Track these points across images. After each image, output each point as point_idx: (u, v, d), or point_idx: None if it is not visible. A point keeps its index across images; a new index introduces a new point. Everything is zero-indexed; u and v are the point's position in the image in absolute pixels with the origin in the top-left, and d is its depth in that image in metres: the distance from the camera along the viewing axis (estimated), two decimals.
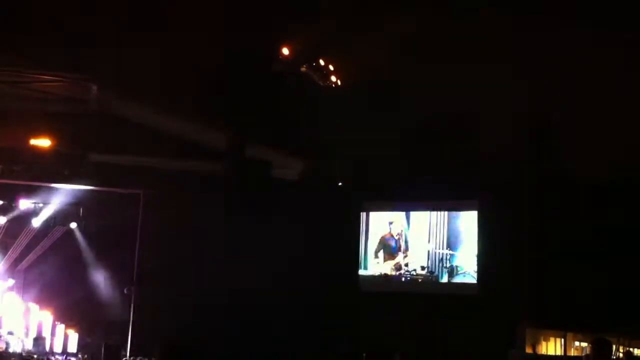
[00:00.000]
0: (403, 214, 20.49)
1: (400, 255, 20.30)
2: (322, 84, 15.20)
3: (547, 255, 17.58)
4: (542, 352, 19.71)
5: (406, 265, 20.16)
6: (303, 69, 15.09)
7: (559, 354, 19.63)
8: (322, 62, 15.20)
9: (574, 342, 19.86)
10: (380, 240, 20.61)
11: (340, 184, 20.42)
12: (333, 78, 15.38)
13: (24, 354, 17.98)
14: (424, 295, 19.30)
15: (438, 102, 15.04)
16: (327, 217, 19.24)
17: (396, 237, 20.43)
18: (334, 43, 14.26)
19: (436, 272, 19.83)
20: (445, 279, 19.64)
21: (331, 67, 15.30)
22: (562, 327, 19.33)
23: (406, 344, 16.38)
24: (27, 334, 20.79)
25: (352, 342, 17.57)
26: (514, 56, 13.24)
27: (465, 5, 12.48)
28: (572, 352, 19.56)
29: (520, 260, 17.80)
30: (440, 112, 15.72)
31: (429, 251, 19.91)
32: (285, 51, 14.50)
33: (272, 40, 14.09)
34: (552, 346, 20.15)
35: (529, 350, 19.07)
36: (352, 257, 20.49)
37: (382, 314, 18.66)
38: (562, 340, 19.76)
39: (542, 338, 20.00)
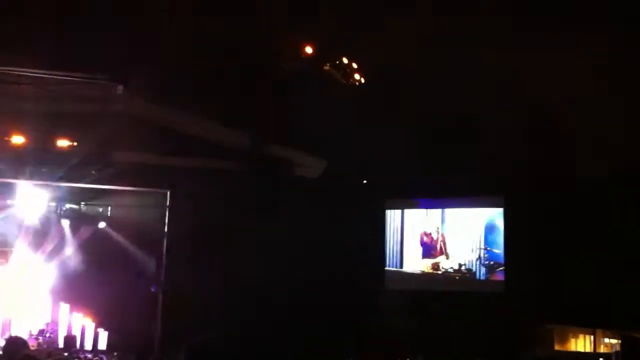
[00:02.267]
0: (439, 211, 20.40)
1: (437, 253, 20.25)
2: (344, 82, 15.14)
3: (575, 251, 17.40)
4: (571, 349, 19.52)
5: (444, 263, 20.11)
6: (326, 68, 15.05)
7: (589, 351, 19.42)
8: (345, 61, 15.15)
9: (603, 339, 19.63)
10: (418, 237, 20.60)
11: (364, 181, 20.40)
12: (356, 76, 15.32)
13: (54, 352, 18.16)
14: (453, 294, 19.23)
15: (457, 98, 14.94)
16: (350, 215, 19.25)
17: (434, 236, 20.37)
18: (355, 41, 14.22)
19: (474, 269, 19.76)
20: (482, 276, 19.57)
21: (354, 65, 15.25)
22: (591, 324, 19.13)
23: (430, 342, 16.38)
24: (57, 333, 21.03)
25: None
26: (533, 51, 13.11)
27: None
28: (602, 349, 19.33)
29: (548, 256, 17.64)
30: (462, 107, 15.61)
31: (467, 249, 19.86)
32: (308, 50, 14.48)
33: (294, 38, 14.08)
34: (581, 343, 19.94)
35: (557, 347, 18.91)
36: (376, 256, 20.47)
37: (412, 311, 18.65)
38: (592, 337, 19.54)
39: (570, 335, 19.80)
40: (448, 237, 20.18)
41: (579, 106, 14.53)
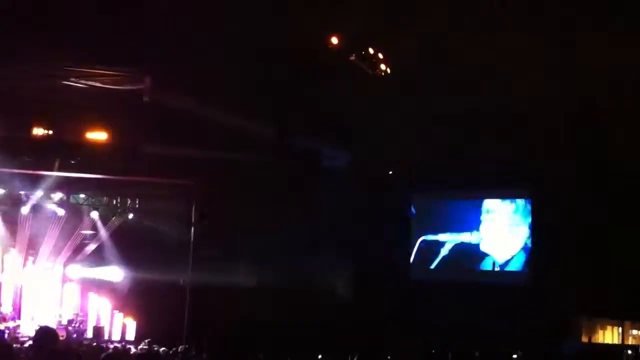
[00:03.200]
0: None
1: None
2: (371, 72, 15.12)
3: (604, 245, 17.26)
4: (599, 341, 19.40)
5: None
6: (352, 59, 15.03)
7: (616, 342, 19.30)
8: (371, 51, 15.11)
9: (631, 330, 19.49)
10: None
11: (390, 172, 20.37)
12: (382, 67, 15.28)
13: (83, 342, 18.40)
14: (479, 285, 19.17)
15: (486, 88, 14.83)
16: (376, 206, 19.25)
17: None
18: (382, 32, 14.19)
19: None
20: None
21: (380, 56, 15.20)
22: (619, 316, 18.99)
23: (458, 332, 16.35)
24: (86, 323, 21.29)
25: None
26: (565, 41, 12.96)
27: None
28: (630, 341, 19.19)
29: (577, 249, 17.52)
30: (488, 98, 15.50)
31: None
32: (334, 40, 14.48)
33: (320, 30, 14.09)
34: (609, 335, 19.81)
35: (585, 339, 18.80)
36: (403, 246, 20.46)
37: (440, 303, 18.62)
38: (620, 329, 19.41)
39: (598, 327, 19.68)
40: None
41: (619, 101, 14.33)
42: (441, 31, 13.09)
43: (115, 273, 21.29)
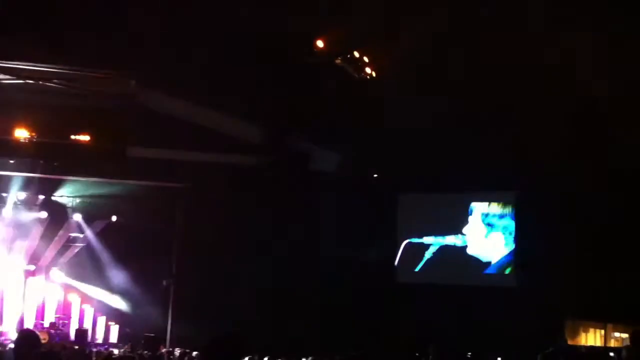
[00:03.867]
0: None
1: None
2: (356, 76, 15.14)
3: (587, 246, 17.38)
4: (582, 343, 19.53)
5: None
6: (338, 62, 15.05)
7: (599, 345, 19.44)
8: (356, 54, 15.14)
9: (613, 333, 19.64)
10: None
11: (375, 175, 20.41)
12: (368, 70, 15.31)
13: (66, 345, 18.28)
14: (464, 288, 19.22)
15: (472, 89, 14.85)
16: (364, 208, 19.28)
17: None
18: (368, 34, 14.20)
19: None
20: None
21: (365, 59, 15.23)
22: (602, 319, 19.13)
23: (444, 335, 16.38)
24: (68, 326, 21.16)
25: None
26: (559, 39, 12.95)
27: None
28: (612, 343, 19.34)
29: (559, 251, 17.63)
30: (474, 99, 15.52)
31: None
32: (320, 44, 14.49)
33: (307, 33, 14.08)
34: (591, 337, 19.96)
35: (568, 341, 18.92)
36: (389, 248, 20.50)
37: (424, 306, 18.65)
38: (602, 331, 19.56)
39: (581, 329, 19.82)
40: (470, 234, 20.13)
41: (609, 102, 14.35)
42: (428, 33, 13.08)
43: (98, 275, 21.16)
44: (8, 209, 19.26)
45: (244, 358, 3.76)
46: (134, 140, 16.70)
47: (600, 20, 12.05)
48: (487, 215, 19.91)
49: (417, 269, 20.43)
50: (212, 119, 15.67)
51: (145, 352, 16.02)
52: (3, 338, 18.84)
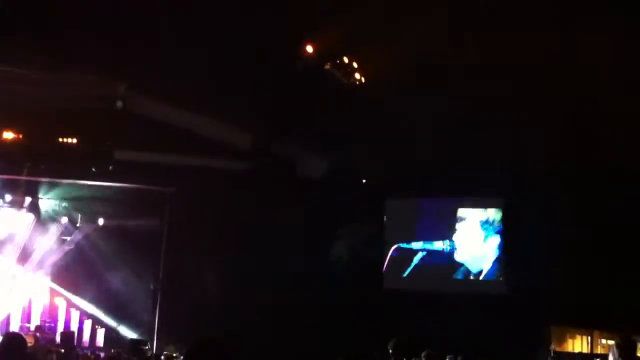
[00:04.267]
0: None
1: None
2: (345, 81, 15.18)
3: (574, 253, 17.42)
4: (569, 350, 19.56)
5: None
6: (327, 67, 15.08)
7: (585, 352, 19.47)
8: (345, 60, 15.18)
9: (600, 340, 19.67)
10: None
11: (364, 180, 20.42)
12: (357, 75, 15.34)
13: (52, 349, 18.18)
14: (452, 294, 19.22)
15: (467, 90, 14.84)
16: (353, 213, 19.27)
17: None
18: (357, 40, 14.21)
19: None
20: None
21: (355, 65, 15.27)
22: (588, 326, 19.17)
23: (433, 343, 16.37)
24: (54, 329, 21.03)
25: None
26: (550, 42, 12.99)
27: None
28: (599, 350, 19.37)
29: (546, 258, 17.68)
30: (462, 103, 15.54)
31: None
32: (309, 49, 14.51)
33: (296, 38, 14.10)
34: (578, 344, 19.99)
35: (554, 348, 18.95)
36: (376, 254, 20.49)
37: (412, 312, 18.63)
38: (589, 338, 19.58)
39: (568, 336, 19.85)
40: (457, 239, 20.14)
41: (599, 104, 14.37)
42: (417, 37, 13.10)
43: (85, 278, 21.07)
44: None
45: None
46: (121, 143, 16.68)
47: (600, 20, 12.08)
48: (475, 221, 19.94)
49: (405, 275, 20.42)
50: (200, 123, 15.67)
51: (134, 358, 15.96)
52: None
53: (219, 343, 3.75)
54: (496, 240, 19.60)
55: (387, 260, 20.57)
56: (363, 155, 18.20)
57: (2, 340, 5.63)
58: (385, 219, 20.72)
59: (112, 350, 18.96)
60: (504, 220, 19.54)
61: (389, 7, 12.67)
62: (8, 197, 19.08)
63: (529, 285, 17.78)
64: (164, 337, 18.75)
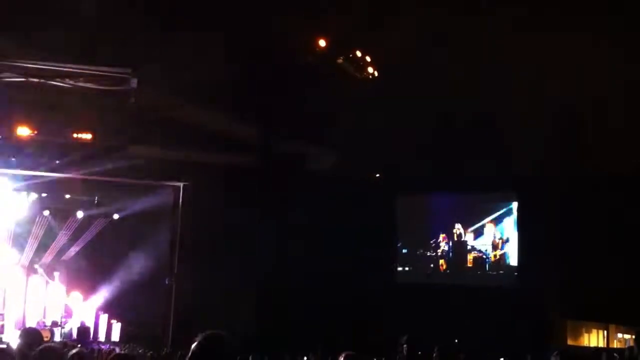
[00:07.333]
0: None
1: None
2: (358, 76, 15.12)
3: (589, 247, 17.33)
4: (585, 344, 19.47)
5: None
6: (339, 61, 15.03)
7: (602, 345, 19.37)
8: (358, 54, 15.12)
9: (616, 333, 19.57)
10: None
11: (377, 175, 20.38)
12: (370, 70, 15.28)
13: (68, 343, 18.31)
14: (465, 288, 19.18)
15: (470, 95, 14.84)
16: (362, 209, 19.24)
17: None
18: (370, 35, 14.18)
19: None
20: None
21: (368, 59, 15.21)
22: (604, 319, 19.07)
23: (444, 335, 16.35)
24: (71, 324, 21.16)
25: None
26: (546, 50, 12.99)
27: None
28: (615, 344, 19.28)
29: (561, 252, 17.59)
30: (473, 100, 15.51)
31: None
32: (322, 43, 14.46)
33: (307, 32, 14.07)
34: (594, 338, 19.89)
35: (569, 342, 18.87)
36: (388, 250, 20.46)
37: (420, 306, 18.60)
38: (605, 332, 19.49)
39: (583, 330, 19.76)
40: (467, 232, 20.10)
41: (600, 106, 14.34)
42: (426, 34, 13.07)
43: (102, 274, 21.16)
44: (10, 208, 19.27)
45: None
46: (134, 139, 16.72)
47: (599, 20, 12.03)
48: (488, 216, 19.87)
49: (417, 270, 20.40)
50: (211, 119, 15.68)
51: (150, 352, 16.02)
52: (5, 336, 18.86)
53: (226, 339, 3.75)
54: (510, 234, 19.52)
55: (399, 255, 20.57)
56: (374, 150, 18.17)
57: (19, 335, 5.71)
58: (396, 214, 20.70)
59: (127, 345, 19.09)
60: (518, 215, 19.45)
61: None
62: (24, 194, 19.17)
63: (543, 279, 17.69)
64: (178, 331, 18.80)
